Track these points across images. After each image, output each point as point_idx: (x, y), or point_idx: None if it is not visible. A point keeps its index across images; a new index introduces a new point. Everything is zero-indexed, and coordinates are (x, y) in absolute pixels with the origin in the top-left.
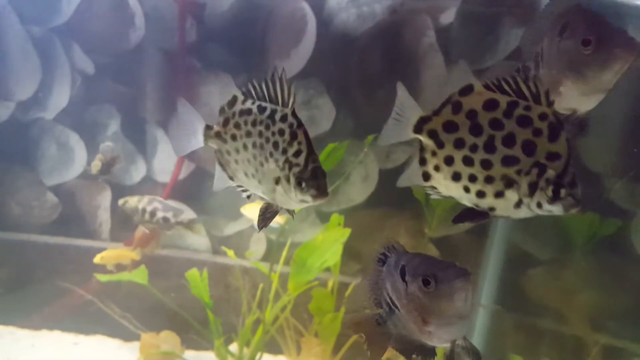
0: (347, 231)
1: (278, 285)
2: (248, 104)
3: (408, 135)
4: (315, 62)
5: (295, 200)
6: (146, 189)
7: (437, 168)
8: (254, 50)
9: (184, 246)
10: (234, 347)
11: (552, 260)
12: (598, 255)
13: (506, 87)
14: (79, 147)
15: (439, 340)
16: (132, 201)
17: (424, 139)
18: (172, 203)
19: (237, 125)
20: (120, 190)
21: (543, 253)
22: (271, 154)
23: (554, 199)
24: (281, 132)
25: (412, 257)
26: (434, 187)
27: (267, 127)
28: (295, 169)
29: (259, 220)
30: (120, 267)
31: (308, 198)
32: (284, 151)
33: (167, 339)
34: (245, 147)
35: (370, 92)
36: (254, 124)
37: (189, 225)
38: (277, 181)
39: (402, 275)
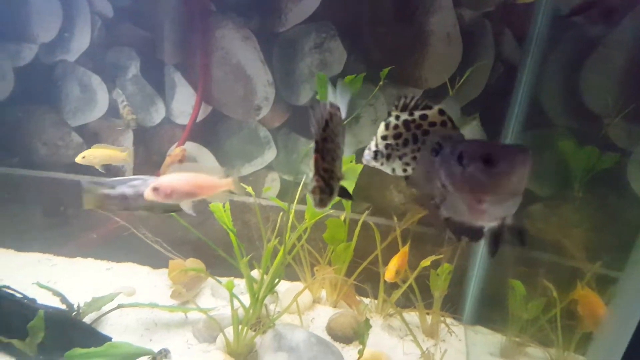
0: (359, 167)
1: (294, 219)
2: None
3: None
4: (327, 5)
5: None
6: (165, 131)
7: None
8: None
9: None
10: (255, 274)
11: (551, 196)
12: (595, 191)
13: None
14: (101, 89)
15: (490, 218)
16: None
17: None
18: None
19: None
20: (141, 132)
21: (543, 190)
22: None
23: None
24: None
25: (470, 142)
26: None
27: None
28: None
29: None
30: None
31: None
32: None
33: (194, 265)
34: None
35: (381, 35)
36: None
37: None
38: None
39: (460, 160)
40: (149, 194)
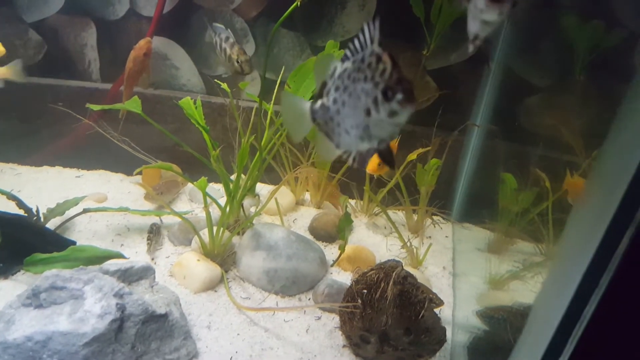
0: (342, 52)
1: (273, 115)
2: (345, 64)
3: None
4: None
5: (386, 118)
6: (131, 24)
7: None
8: None
9: (177, 86)
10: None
11: (550, 87)
12: (598, 75)
13: None
14: None
15: None
16: None
17: None
18: None
19: (337, 88)
20: (105, 26)
21: (541, 80)
22: (362, 89)
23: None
24: (369, 65)
25: None
26: None
27: (359, 70)
28: (381, 85)
29: (358, 161)
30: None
31: (396, 106)
32: (372, 78)
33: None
34: (343, 103)
35: None
36: (349, 77)
37: None
38: (368, 112)
39: None
40: None
